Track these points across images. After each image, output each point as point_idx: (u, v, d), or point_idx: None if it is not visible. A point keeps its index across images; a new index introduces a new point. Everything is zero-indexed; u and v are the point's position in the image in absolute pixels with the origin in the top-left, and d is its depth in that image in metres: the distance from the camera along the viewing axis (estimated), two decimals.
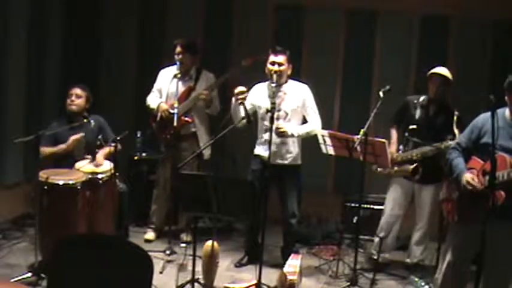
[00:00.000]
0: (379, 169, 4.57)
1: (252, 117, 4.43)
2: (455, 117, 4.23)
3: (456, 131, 4.19)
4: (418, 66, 5.60)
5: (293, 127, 4.45)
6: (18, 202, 5.24)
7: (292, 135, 4.44)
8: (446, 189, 3.60)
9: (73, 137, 4.48)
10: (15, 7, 5.12)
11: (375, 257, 4.68)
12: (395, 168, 4.53)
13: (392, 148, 4.63)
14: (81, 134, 4.49)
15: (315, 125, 4.53)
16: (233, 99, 4.38)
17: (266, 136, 4.41)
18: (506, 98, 3.32)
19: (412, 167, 4.42)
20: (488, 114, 3.34)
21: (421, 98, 4.57)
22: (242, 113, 4.24)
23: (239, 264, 4.70)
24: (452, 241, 3.58)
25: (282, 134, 4.35)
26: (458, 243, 3.53)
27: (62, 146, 4.50)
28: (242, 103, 4.25)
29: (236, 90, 4.30)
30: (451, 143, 4.15)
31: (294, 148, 4.55)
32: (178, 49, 4.90)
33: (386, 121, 4.91)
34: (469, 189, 3.34)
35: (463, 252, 3.52)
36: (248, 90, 4.44)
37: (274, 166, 4.31)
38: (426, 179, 4.48)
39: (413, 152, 4.46)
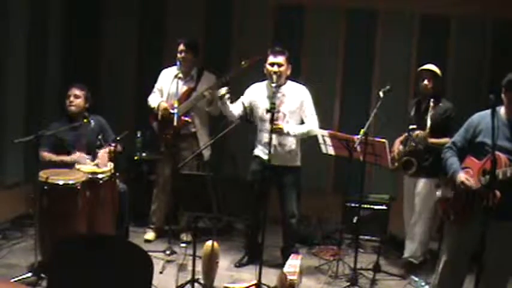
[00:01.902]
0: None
1: (249, 116, 4.46)
2: (430, 106, 4.38)
3: (428, 121, 4.35)
4: (418, 66, 5.60)
5: (289, 126, 4.45)
6: (18, 202, 5.24)
7: (288, 134, 4.43)
8: (442, 188, 3.61)
9: (78, 156, 4.49)
10: (15, 7, 5.12)
11: (416, 262, 4.68)
12: (396, 164, 4.60)
13: (395, 146, 4.69)
14: (85, 156, 4.49)
15: (311, 126, 4.53)
16: (219, 103, 4.50)
17: (266, 137, 4.42)
18: (502, 96, 3.33)
19: (404, 159, 4.52)
20: (483, 113, 3.40)
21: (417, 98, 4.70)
22: (229, 106, 4.39)
23: (239, 264, 4.70)
24: (448, 240, 3.59)
25: (277, 131, 4.33)
26: (455, 242, 3.53)
27: (65, 159, 4.50)
28: (229, 99, 4.43)
29: (218, 95, 4.47)
30: (415, 129, 4.39)
31: (293, 149, 4.55)
32: (181, 47, 4.90)
33: (386, 121, 4.91)
34: (463, 189, 3.35)
35: (459, 252, 3.52)
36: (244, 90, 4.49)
37: (273, 167, 4.31)
38: (420, 172, 4.54)
39: (406, 147, 4.55)
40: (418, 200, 4.60)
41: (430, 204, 4.52)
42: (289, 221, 4.60)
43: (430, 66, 4.57)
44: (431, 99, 4.43)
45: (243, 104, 4.60)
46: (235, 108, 4.58)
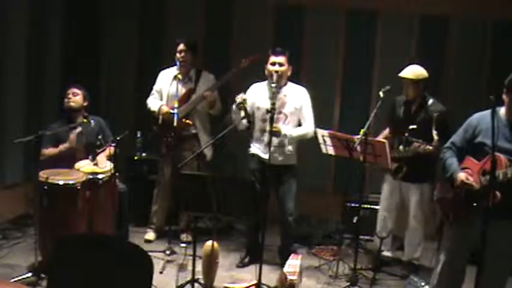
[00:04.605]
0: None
1: (251, 117, 4.45)
2: (434, 118, 4.32)
3: (435, 133, 4.27)
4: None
5: (287, 128, 4.46)
6: (18, 202, 5.24)
7: (285, 136, 4.45)
8: (441, 189, 3.61)
9: (73, 134, 4.49)
10: (15, 7, 5.12)
11: (388, 254, 4.77)
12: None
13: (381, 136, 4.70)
14: (79, 129, 4.49)
15: (308, 129, 4.55)
16: (233, 106, 4.37)
17: (265, 137, 4.43)
18: (504, 96, 3.32)
19: (394, 166, 4.49)
20: (483, 113, 3.40)
21: (402, 97, 4.66)
22: (242, 114, 4.25)
23: (241, 265, 4.69)
24: (447, 241, 3.59)
25: (275, 134, 4.31)
26: (454, 243, 3.53)
27: (65, 145, 4.50)
28: (243, 107, 4.26)
29: (238, 100, 4.28)
30: (430, 147, 4.25)
31: (290, 149, 4.57)
32: (181, 47, 4.90)
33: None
34: (464, 189, 3.35)
35: (457, 252, 3.52)
36: (245, 92, 4.45)
37: (271, 166, 4.32)
38: (412, 177, 4.55)
39: (397, 151, 4.50)
40: (413, 205, 4.62)
41: (425, 207, 4.60)
42: (286, 218, 4.62)
43: (404, 73, 4.54)
44: (435, 114, 4.36)
45: (246, 109, 4.56)
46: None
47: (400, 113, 4.66)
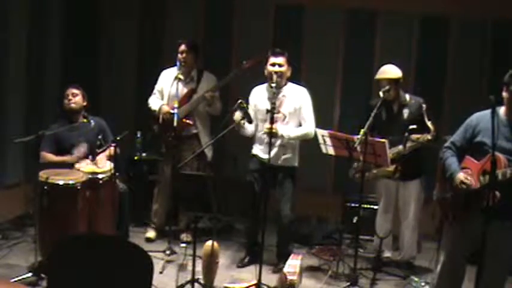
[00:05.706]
0: (356, 175, 4.57)
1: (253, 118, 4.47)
2: (424, 110, 4.35)
3: (429, 122, 4.31)
4: (418, 66, 5.61)
5: (285, 129, 4.46)
6: (18, 202, 5.24)
7: (282, 136, 4.44)
8: (440, 189, 3.61)
9: (79, 153, 4.51)
10: (15, 7, 5.12)
11: (388, 255, 4.81)
12: (374, 171, 4.57)
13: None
14: (85, 151, 4.51)
15: (308, 129, 4.54)
16: (236, 127, 4.38)
17: (266, 137, 4.43)
18: (503, 93, 3.32)
19: (392, 168, 4.47)
20: (482, 113, 3.41)
21: (376, 100, 4.55)
22: (242, 114, 4.28)
23: (241, 265, 4.69)
24: (447, 241, 3.60)
25: (272, 134, 4.28)
26: (453, 243, 3.54)
27: (66, 158, 4.51)
28: (243, 107, 4.29)
29: (236, 121, 4.32)
30: (429, 137, 4.30)
31: (291, 150, 4.57)
32: (182, 48, 4.90)
33: None
34: (463, 189, 3.35)
35: (457, 252, 3.53)
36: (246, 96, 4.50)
37: (271, 167, 4.32)
38: (407, 175, 4.54)
39: (390, 152, 4.46)
40: (414, 202, 4.63)
41: (421, 204, 4.63)
42: (282, 221, 4.61)
43: (386, 75, 4.51)
44: (424, 105, 4.39)
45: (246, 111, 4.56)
46: (252, 126, 4.57)
47: (383, 115, 4.62)
